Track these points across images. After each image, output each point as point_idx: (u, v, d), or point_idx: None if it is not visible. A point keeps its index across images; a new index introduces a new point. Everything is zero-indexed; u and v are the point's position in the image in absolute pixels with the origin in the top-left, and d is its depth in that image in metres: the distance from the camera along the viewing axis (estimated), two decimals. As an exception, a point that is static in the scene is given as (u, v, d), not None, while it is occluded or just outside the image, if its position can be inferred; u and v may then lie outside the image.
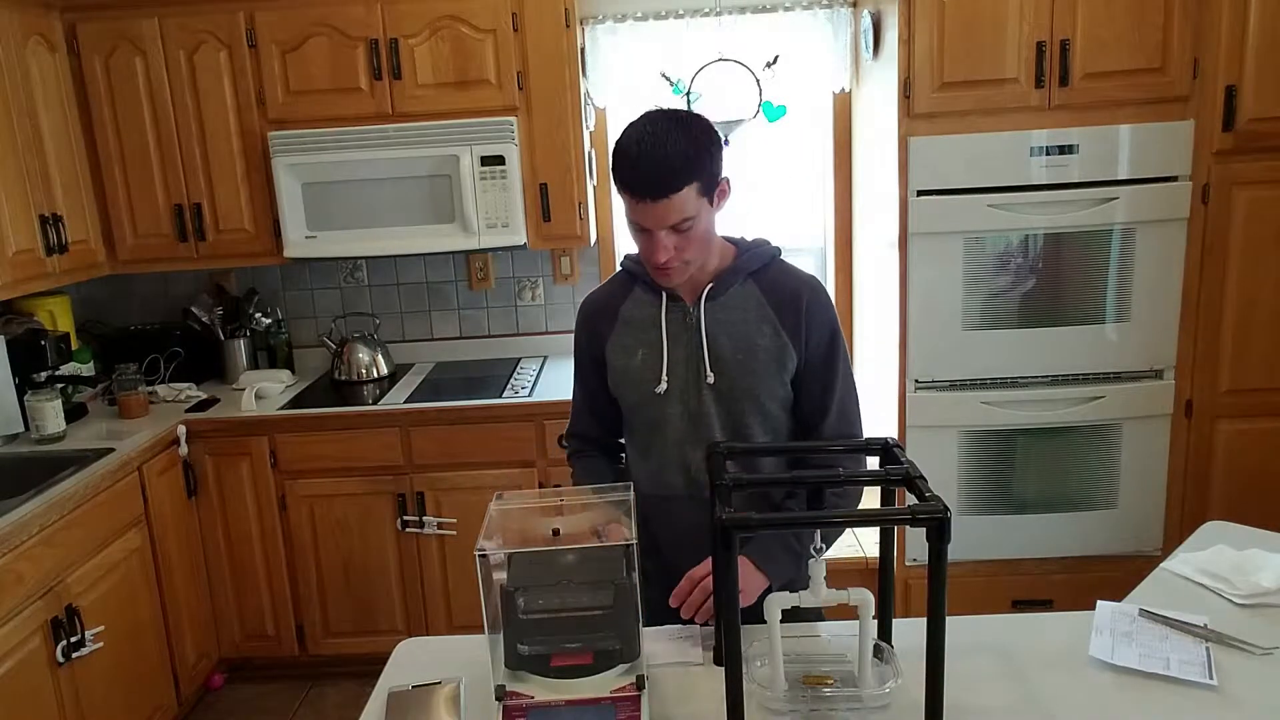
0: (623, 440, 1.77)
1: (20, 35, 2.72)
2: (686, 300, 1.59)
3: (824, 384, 1.59)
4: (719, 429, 1.57)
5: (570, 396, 1.79)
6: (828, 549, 1.71)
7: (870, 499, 1.62)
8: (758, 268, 1.59)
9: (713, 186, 1.47)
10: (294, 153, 2.94)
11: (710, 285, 1.57)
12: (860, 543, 3.07)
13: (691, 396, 1.58)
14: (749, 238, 1.66)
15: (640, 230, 1.47)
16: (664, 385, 1.57)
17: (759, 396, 1.57)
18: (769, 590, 1.45)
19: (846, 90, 3.22)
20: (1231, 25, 2.57)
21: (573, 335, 1.74)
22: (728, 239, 1.64)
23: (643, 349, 1.60)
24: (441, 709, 1.32)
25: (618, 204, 3.45)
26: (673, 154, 1.41)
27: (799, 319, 1.56)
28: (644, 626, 1.49)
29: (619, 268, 1.71)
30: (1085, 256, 2.72)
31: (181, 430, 2.87)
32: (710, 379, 1.56)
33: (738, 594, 1.12)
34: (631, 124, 1.47)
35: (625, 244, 3.48)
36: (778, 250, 1.64)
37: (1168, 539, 2.88)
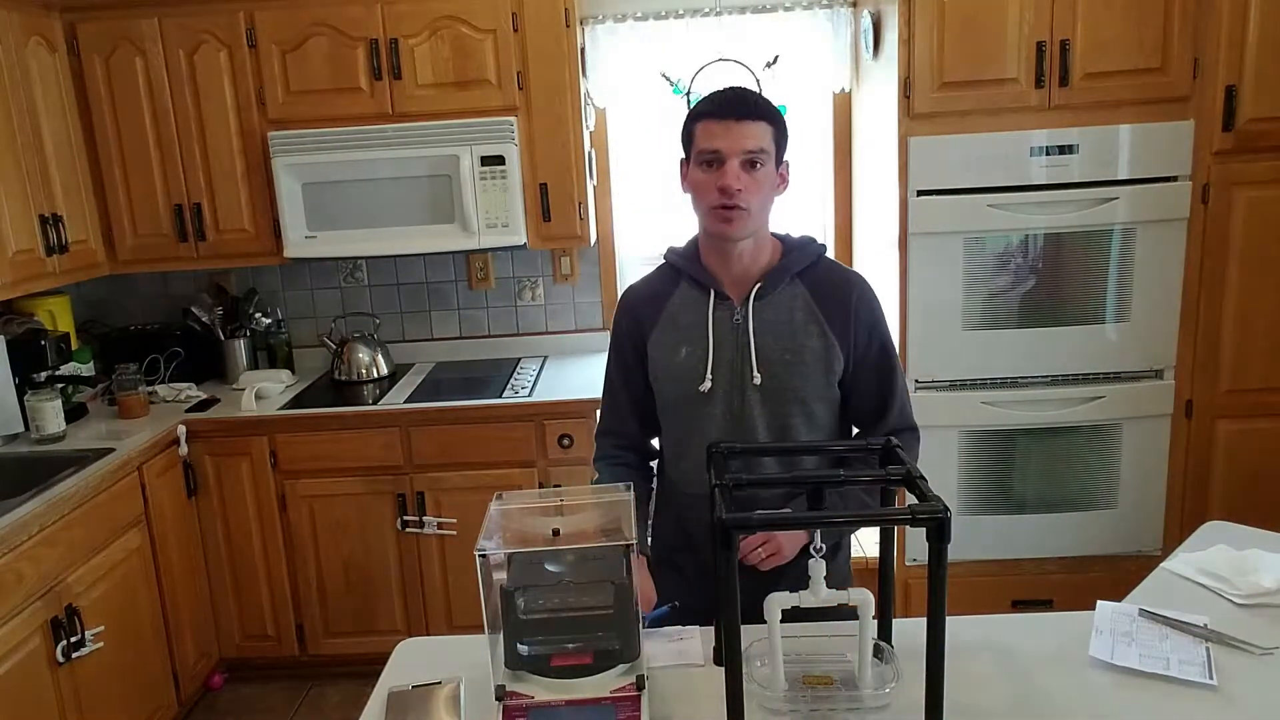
0: (656, 444, 1.75)
1: (20, 35, 2.72)
2: (734, 299, 1.58)
3: (881, 381, 1.61)
4: (763, 429, 1.57)
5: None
6: (851, 537, 1.70)
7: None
8: (805, 266, 1.60)
9: (781, 150, 1.54)
10: (294, 153, 2.94)
11: (759, 284, 1.57)
12: (860, 543, 3.07)
13: (735, 397, 1.57)
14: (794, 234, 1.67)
15: (709, 166, 1.49)
16: (708, 384, 1.56)
17: (805, 398, 1.57)
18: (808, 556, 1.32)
19: (846, 90, 3.22)
20: (1231, 25, 2.57)
21: (609, 327, 1.75)
22: (774, 235, 1.64)
23: (686, 346, 1.59)
24: (441, 709, 1.32)
25: (618, 204, 3.47)
26: (754, 93, 1.54)
27: (847, 320, 1.57)
28: (673, 623, 1.48)
29: (662, 260, 1.69)
30: (1085, 256, 2.72)
31: (181, 430, 2.87)
32: (757, 380, 1.55)
33: (737, 594, 1.12)
34: None
35: (626, 244, 3.48)
36: (823, 248, 1.65)
37: (1168, 539, 2.88)
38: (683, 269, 1.63)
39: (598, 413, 1.79)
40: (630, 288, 1.71)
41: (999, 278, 2.75)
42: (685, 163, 1.57)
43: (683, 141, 1.57)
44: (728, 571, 1.11)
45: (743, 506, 1.15)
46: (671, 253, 1.68)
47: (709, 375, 1.56)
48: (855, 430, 1.70)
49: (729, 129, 1.48)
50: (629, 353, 1.67)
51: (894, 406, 1.63)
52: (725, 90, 1.53)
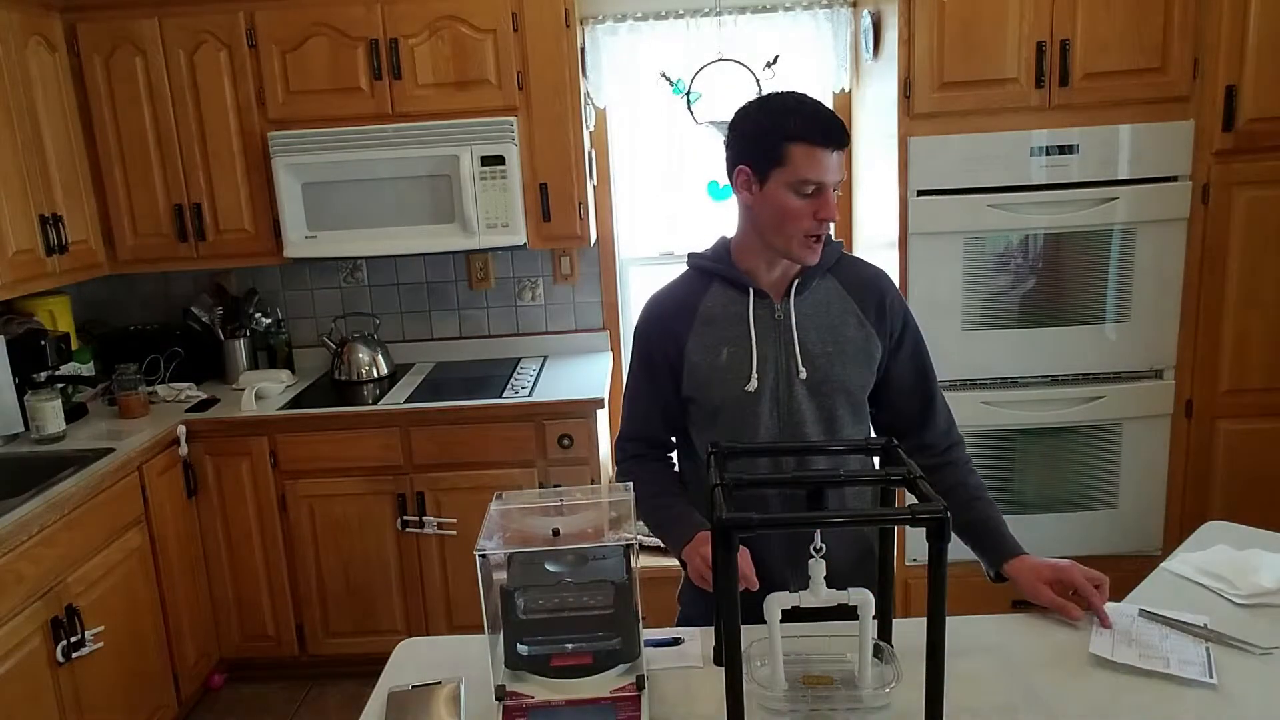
0: (674, 442, 1.74)
1: (20, 35, 2.72)
2: (773, 297, 1.58)
3: (920, 371, 1.64)
4: (811, 423, 1.57)
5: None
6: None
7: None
8: (834, 262, 1.61)
9: None
10: (294, 153, 2.94)
11: (796, 281, 1.58)
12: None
13: (783, 393, 1.57)
14: None
15: (803, 195, 1.47)
16: (754, 383, 1.55)
17: (850, 388, 1.58)
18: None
19: (846, 90, 3.22)
20: (1231, 25, 2.57)
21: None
22: None
23: (727, 347, 1.57)
24: (441, 709, 1.32)
25: (618, 204, 3.47)
26: (837, 116, 1.50)
27: (883, 310, 1.60)
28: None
29: (686, 267, 1.67)
30: (1085, 256, 2.72)
31: (181, 430, 2.87)
32: (803, 374, 1.55)
33: (737, 593, 1.12)
34: (769, 95, 1.53)
35: (626, 244, 3.48)
36: (841, 243, 1.67)
37: (1168, 539, 2.88)
38: (716, 271, 1.61)
39: (616, 418, 1.76)
40: (656, 297, 1.68)
41: (999, 278, 2.75)
42: (756, 173, 1.51)
43: (760, 153, 1.49)
44: (727, 571, 1.11)
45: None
46: (698, 257, 1.65)
47: (754, 374, 1.55)
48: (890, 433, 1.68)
49: (830, 159, 1.46)
50: (659, 362, 1.63)
51: (937, 396, 1.65)
52: (821, 114, 1.47)
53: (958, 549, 3.12)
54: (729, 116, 1.55)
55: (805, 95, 1.51)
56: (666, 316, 1.63)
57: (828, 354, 1.56)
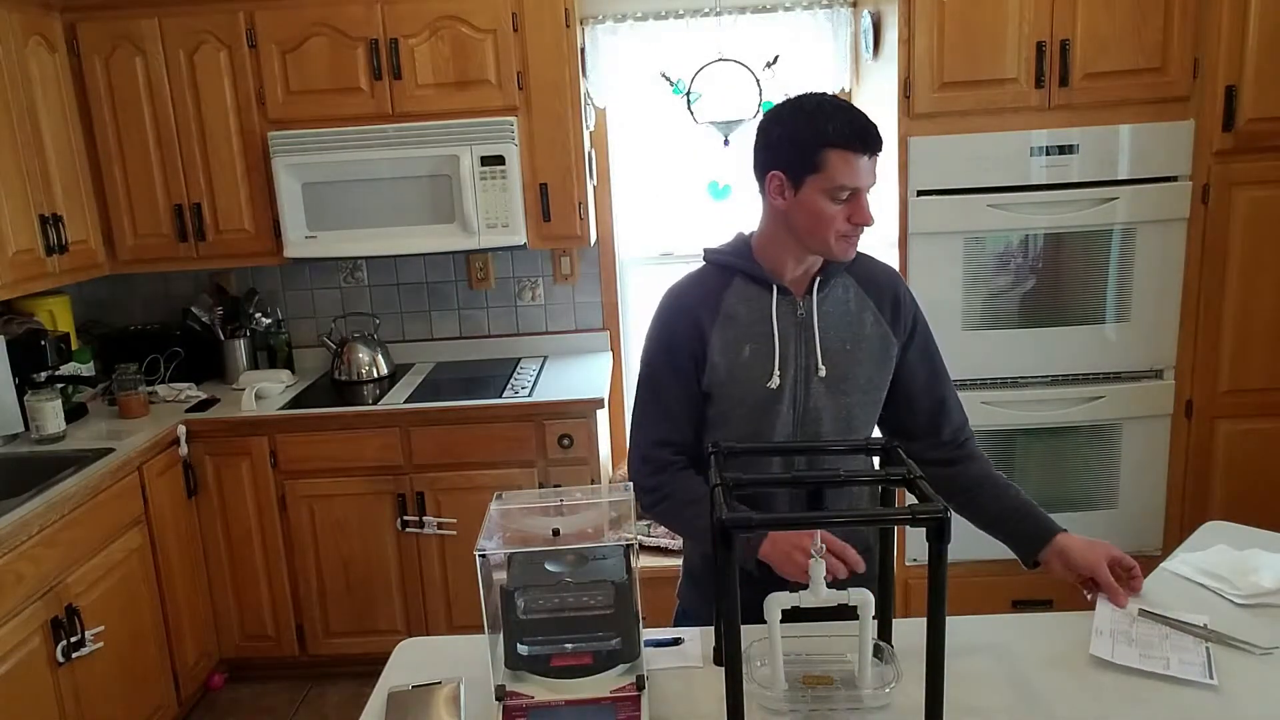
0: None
1: (20, 35, 2.72)
2: (795, 294, 1.57)
3: (931, 371, 1.63)
4: (828, 421, 1.56)
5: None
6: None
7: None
8: (851, 260, 1.59)
9: None
10: (294, 153, 2.94)
11: (818, 278, 1.57)
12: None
13: (801, 391, 1.56)
14: None
15: (838, 201, 1.46)
16: (776, 380, 1.54)
17: (866, 386, 1.58)
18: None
19: (847, 90, 3.22)
20: (1231, 25, 2.57)
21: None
22: None
23: (750, 344, 1.56)
24: (441, 709, 1.32)
25: (618, 204, 3.47)
26: (872, 120, 1.48)
27: (897, 307, 1.60)
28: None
29: (704, 262, 1.64)
30: (1085, 256, 2.72)
31: (181, 430, 2.87)
32: (822, 372, 1.55)
33: (737, 593, 1.12)
34: (801, 98, 1.49)
35: (626, 244, 3.48)
36: None
37: (1168, 539, 2.88)
38: (738, 267, 1.59)
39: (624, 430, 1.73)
40: (679, 290, 1.63)
41: (999, 278, 2.75)
42: (790, 179, 1.48)
43: (795, 160, 1.46)
44: (727, 571, 1.11)
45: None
46: (716, 253, 1.63)
47: (776, 371, 1.54)
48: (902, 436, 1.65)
49: (866, 165, 1.46)
50: (683, 356, 1.59)
51: (950, 397, 1.63)
52: (857, 119, 1.45)
53: (958, 549, 3.12)
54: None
55: (837, 98, 1.48)
56: (691, 307, 1.59)
57: (847, 352, 1.56)
